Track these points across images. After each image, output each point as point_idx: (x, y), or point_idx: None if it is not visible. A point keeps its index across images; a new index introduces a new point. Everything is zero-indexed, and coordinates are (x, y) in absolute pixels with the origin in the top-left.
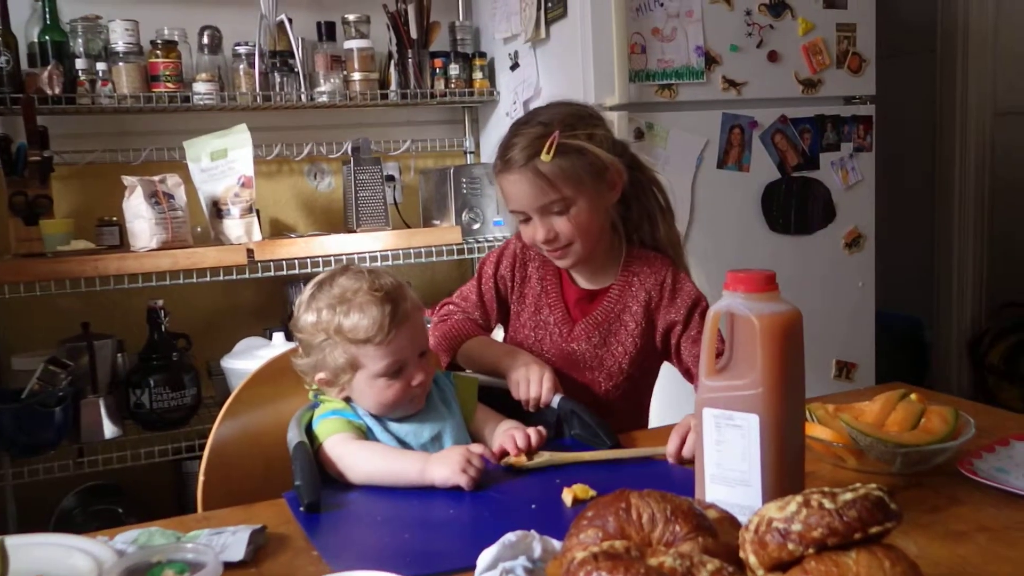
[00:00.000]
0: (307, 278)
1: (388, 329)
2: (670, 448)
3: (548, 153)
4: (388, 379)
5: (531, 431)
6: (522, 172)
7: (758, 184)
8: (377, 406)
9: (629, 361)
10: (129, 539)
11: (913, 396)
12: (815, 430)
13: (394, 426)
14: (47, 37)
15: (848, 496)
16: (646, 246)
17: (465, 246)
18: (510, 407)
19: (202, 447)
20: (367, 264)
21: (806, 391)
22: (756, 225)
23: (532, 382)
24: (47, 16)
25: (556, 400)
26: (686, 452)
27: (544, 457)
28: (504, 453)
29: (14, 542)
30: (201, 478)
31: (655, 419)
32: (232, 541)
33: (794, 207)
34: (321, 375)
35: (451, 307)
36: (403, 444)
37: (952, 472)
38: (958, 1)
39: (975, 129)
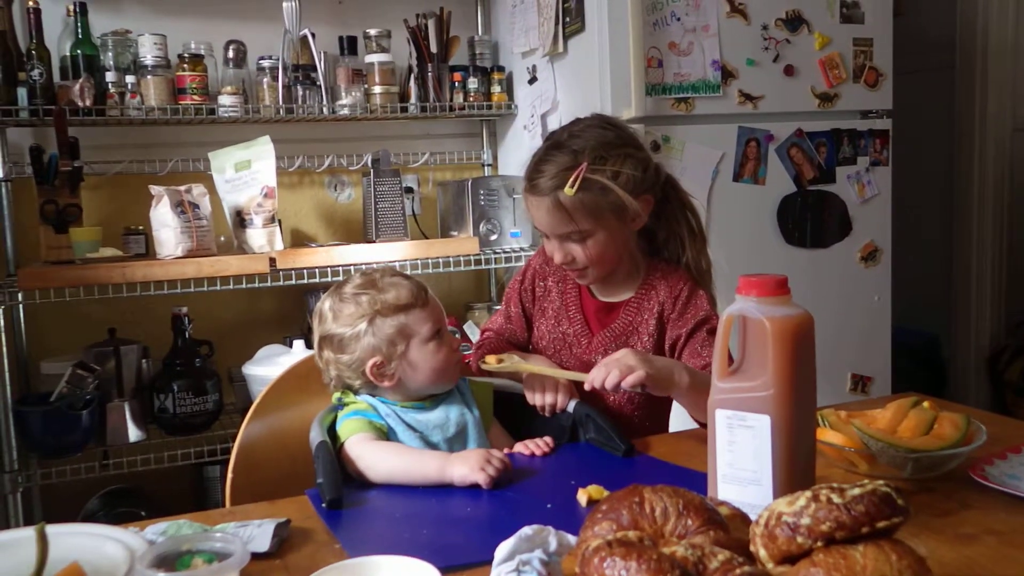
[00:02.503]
0: (327, 287)
1: (424, 294)
2: (596, 377)
3: (572, 187)
4: (436, 342)
5: (540, 441)
6: (545, 199)
7: (774, 197)
8: (432, 374)
9: None
10: (158, 530)
11: (925, 404)
12: (827, 435)
13: (421, 419)
14: (79, 51)
15: (856, 491)
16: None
17: (482, 257)
18: (526, 412)
19: (223, 452)
20: None
21: (822, 402)
22: (772, 238)
23: (547, 387)
24: (79, 31)
25: (571, 405)
26: (609, 383)
27: (510, 362)
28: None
29: (51, 531)
30: (229, 475)
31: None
32: (257, 533)
33: (810, 220)
34: (373, 360)
35: (488, 333)
36: (428, 441)
37: (963, 478)
38: (977, 16)
39: (993, 144)
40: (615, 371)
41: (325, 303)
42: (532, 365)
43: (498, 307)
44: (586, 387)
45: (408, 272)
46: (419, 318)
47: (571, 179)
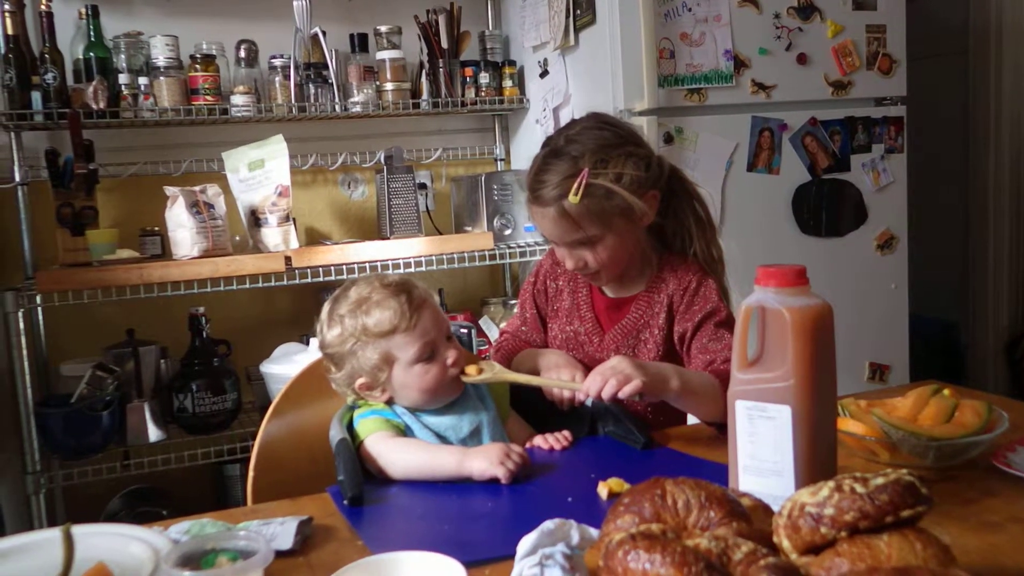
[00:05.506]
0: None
1: (410, 315)
2: (592, 387)
3: (576, 195)
4: (424, 364)
5: (558, 435)
6: (550, 209)
7: (789, 186)
8: (421, 394)
9: None
10: (182, 529)
11: (946, 391)
12: (848, 425)
13: (433, 421)
14: (91, 54)
15: (879, 481)
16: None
17: (497, 251)
18: (544, 406)
19: (243, 450)
20: (400, 271)
21: (840, 391)
22: (787, 228)
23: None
24: (91, 33)
25: (589, 399)
26: (606, 394)
27: (490, 372)
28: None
29: (76, 531)
30: (251, 474)
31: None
32: (280, 531)
33: (825, 209)
34: (360, 380)
35: (504, 336)
36: (443, 440)
37: (985, 465)
38: (990, 1)
39: (1008, 128)
40: (613, 380)
41: (324, 310)
42: (516, 375)
43: (513, 302)
44: (580, 397)
45: (423, 267)
46: (403, 342)
47: (574, 187)
